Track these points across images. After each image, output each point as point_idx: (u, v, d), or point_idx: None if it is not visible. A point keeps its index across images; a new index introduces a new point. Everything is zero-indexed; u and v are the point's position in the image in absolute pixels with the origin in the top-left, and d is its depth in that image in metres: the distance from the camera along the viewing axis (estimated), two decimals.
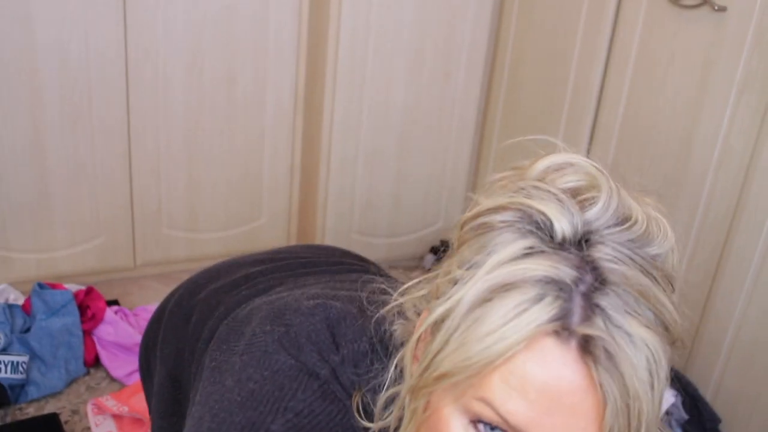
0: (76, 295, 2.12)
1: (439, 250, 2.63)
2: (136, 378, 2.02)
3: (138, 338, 2.07)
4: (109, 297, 2.32)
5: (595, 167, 0.72)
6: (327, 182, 2.42)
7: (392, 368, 0.77)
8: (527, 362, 0.63)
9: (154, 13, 2.13)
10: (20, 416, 1.87)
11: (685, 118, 1.80)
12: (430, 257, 2.67)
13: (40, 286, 2.10)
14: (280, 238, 2.64)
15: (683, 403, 1.80)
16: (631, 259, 0.66)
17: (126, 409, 1.87)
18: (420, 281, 0.79)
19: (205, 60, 2.25)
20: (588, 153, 2.10)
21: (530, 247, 0.65)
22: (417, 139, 2.51)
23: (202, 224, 2.48)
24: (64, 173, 2.20)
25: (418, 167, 2.56)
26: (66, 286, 2.20)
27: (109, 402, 1.89)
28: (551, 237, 0.66)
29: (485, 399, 0.65)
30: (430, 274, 0.77)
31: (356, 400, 0.79)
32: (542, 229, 0.66)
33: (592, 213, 0.67)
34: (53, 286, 2.14)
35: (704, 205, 1.78)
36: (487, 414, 0.65)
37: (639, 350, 0.63)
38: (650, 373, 0.64)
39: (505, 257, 0.65)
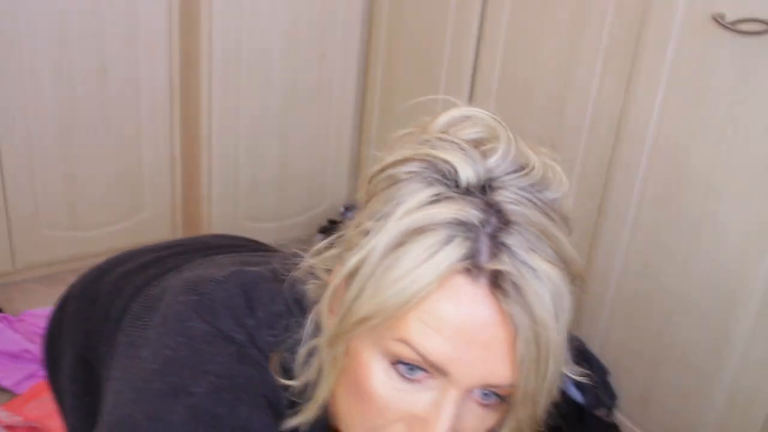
0: None
1: (328, 230, 2.65)
2: (27, 386, 1.95)
3: (26, 345, 2.00)
4: None
5: (494, 119, 0.75)
6: (210, 170, 2.39)
7: (308, 324, 0.79)
8: (441, 300, 0.66)
9: (15, 3, 2.04)
10: None
11: (557, 86, 1.87)
12: (319, 237, 2.69)
13: None
14: (166, 229, 2.60)
15: (573, 359, 1.88)
16: (531, 201, 0.70)
17: (19, 419, 1.81)
18: (330, 241, 0.81)
19: (74, 52, 2.17)
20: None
21: (437, 194, 0.69)
22: (297, 121, 2.51)
23: (84, 221, 2.40)
24: None
25: (300, 149, 2.57)
26: None
27: (2, 414, 1.82)
28: (456, 184, 0.70)
29: (403, 339, 0.68)
30: (339, 233, 0.79)
31: (274, 361, 0.80)
32: (447, 177, 0.70)
33: (492, 161, 0.71)
34: None
35: (580, 168, 1.85)
36: (407, 353, 0.68)
37: (543, 283, 0.67)
38: (554, 304, 0.68)
39: (413, 205, 0.68)
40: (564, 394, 1.82)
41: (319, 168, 2.65)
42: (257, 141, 2.45)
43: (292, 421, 0.79)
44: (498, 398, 0.72)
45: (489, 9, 2.03)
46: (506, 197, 0.69)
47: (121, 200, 2.46)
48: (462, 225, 0.67)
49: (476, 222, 0.67)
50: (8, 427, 1.83)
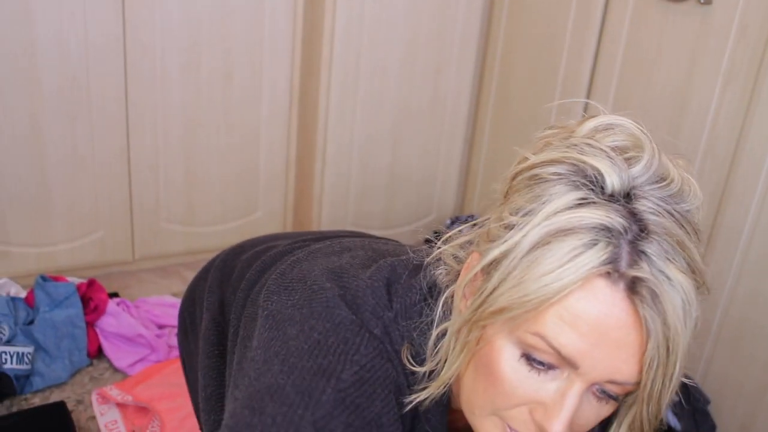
0: (78, 287, 2.14)
1: (432, 242, 2.67)
2: (139, 368, 2.05)
3: (140, 329, 2.11)
4: (109, 290, 2.35)
5: (639, 128, 0.79)
6: (322, 175, 2.46)
7: (439, 308, 0.84)
8: (580, 300, 0.71)
9: (152, 8, 2.16)
10: (25, 406, 1.91)
11: (673, 109, 1.85)
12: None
13: (43, 278, 2.13)
14: (277, 230, 2.68)
15: None
16: (669, 213, 0.74)
17: (130, 398, 1.90)
18: (461, 230, 0.86)
19: (202, 55, 2.29)
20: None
21: (583, 198, 0.73)
22: (410, 131, 2.56)
23: (200, 218, 2.51)
24: (63, 168, 2.23)
25: (411, 160, 2.61)
26: (68, 279, 2.24)
27: (113, 392, 1.92)
28: (602, 190, 0.74)
29: (539, 333, 0.73)
30: (470, 224, 0.85)
31: (405, 351, 0.85)
32: (594, 182, 0.74)
33: (636, 170, 0.75)
34: (56, 279, 2.17)
35: None
36: (541, 346, 0.73)
37: (677, 291, 0.71)
38: (685, 312, 0.72)
39: (560, 206, 0.73)
40: (661, 420, 1.79)
41: (429, 179, 2.68)
42: (370, 149, 2.51)
43: (415, 399, 0.85)
44: (613, 397, 0.77)
45: (606, 29, 2.03)
46: (647, 207, 0.73)
47: (236, 200, 2.55)
48: (605, 230, 0.71)
49: (619, 228, 0.71)
50: (120, 405, 1.93)
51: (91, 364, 2.08)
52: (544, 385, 0.75)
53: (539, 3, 2.25)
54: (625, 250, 0.71)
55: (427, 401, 0.85)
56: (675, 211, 0.75)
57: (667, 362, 0.72)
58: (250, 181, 2.54)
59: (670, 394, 0.76)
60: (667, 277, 0.71)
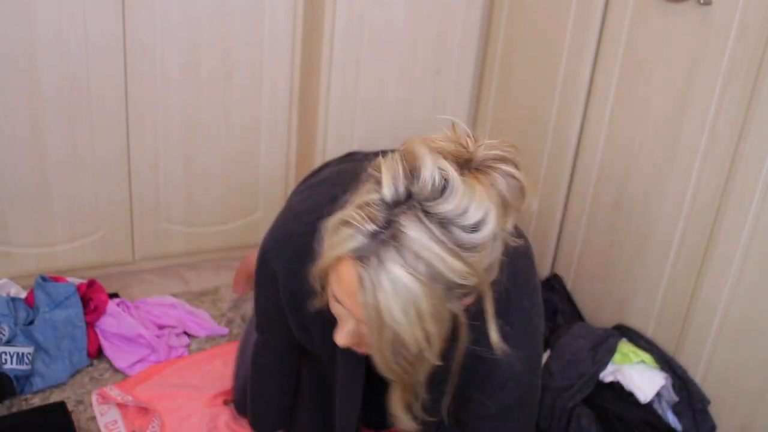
0: (78, 287, 2.15)
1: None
2: (139, 368, 2.06)
3: (140, 330, 2.11)
4: (109, 290, 2.35)
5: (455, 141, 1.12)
6: None
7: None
8: (336, 271, 1.02)
9: (152, 8, 2.16)
10: (25, 407, 1.91)
11: (673, 109, 1.86)
12: None
13: (43, 278, 2.14)
14: None
15: (673, 386, 1.85)
16: (428, 227, 0.96)
17: (130, 398, 1.90)
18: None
19: (202, 55, 2.29)
20: (578, 144, 2.15)
21: (366, 201, 1.00)
22: (410, 133, 2.55)
23: (200, 218, 2.51)
24: (63, 168, 2.23)
25: None
26: (68, 280, 2.24)
27: (114, 392, 1.93)
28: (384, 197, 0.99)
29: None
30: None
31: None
32: (378, 188, 1.00)
33: (416, 186, 0.98)
34: (56, 279, 2.17)
35: (692, 194, 1.83)
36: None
37: (398, 292, 0.95)
38: (404, 309, 0.96)
39: (355, 202, 1.02)
40: (661, 420, 1.80)
41: None
42: (370, 149, 2.50)
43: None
44: None
45: (606, 30, 2.03)
46: (407, 219, 0.97)
47: (236, 200, 2.56)
48: (363, 229, 0.98)
49: (372, 230, 0.97)
50: (120, 405, 1.93)
51: (91, 365, 2.08)
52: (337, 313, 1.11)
53: (539, 3, 2.26)
54: (369, 247, 0.97)
55: None
56: (436, 227, 0.96)
57: (377, 331, 0.99)
58: (250, 181, 2.54)
59: (384, 357, 1.02)
60: (390, 279, 0.95)
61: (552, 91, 2.23)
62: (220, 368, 2.08)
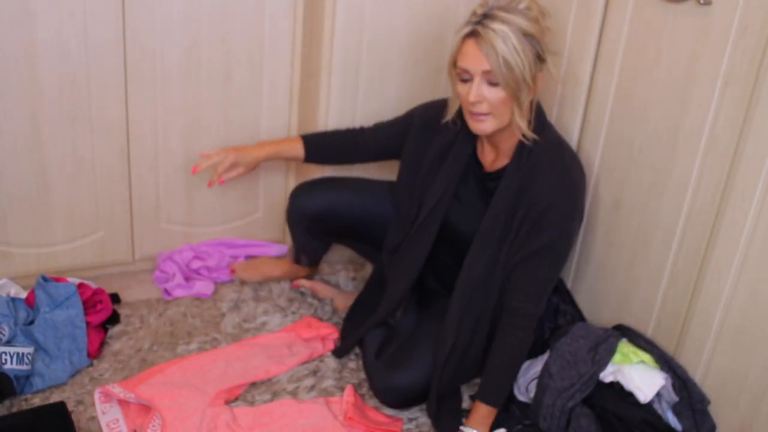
0: (84, 290, 2.16)
1: None
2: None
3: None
4: (109, 291, 2.36)
5: None
6: (322, 175, 2.45)
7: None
8: (461, 52, 1.82)
9: (152, 8, 2.16)
10: (25, 407, 1.91)
11: (673, 109, 1.86)
12: None
13: (44, 278, 2.14)
14: (277, 231, 2.69)
15: (673, 386, 1.85)
16: (505, 8, 1.79)
17: (132, 395, 1.91)
18: None
19: (202, 55, 2.29)
20: (578, 144, 2.15)
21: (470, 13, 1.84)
22: None
23: (200, 218, 2.51)
24: (63, 168, 2.23)
25: None
26: (69, 280, 2.25)
27: (116, 389, 1.93)
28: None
29: (459, 65, 1.84)
30: None
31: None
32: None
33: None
34: (57, 280, 2.17)
35: (692, 193, 1.83)
36: (460, 70, 1.84)
37: (504, 38, 1.75)
38: (509, 46, 1.75)
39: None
40: (661, 420, 1.80)
41: None
42: None
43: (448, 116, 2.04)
44: (495, 83, 1.80)
45: (607, 27, 2.03)
46: (495, 10, 1.79)
47: (236, 201, 2.56)
48: (475, 17, 1.81)
49: (478, 20, 1.79)
50: (122, 403, 1.93)
51: (91, 365, 2.08)
52: (466, 87, 1.84)
53: (539, 3, 2.25)
54: (476, 25, 1.78)
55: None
56: (510, 9, 1.79)
57: (506, 65, 1.77)
58: (249, 182, 2.54)
59: (504, 79, 1.78)
60: (494, 31, 1.75)
61: (552, 90, 2.23)
62: (222, 367, 2.08)
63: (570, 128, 2.18)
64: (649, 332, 2.00)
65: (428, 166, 2.08)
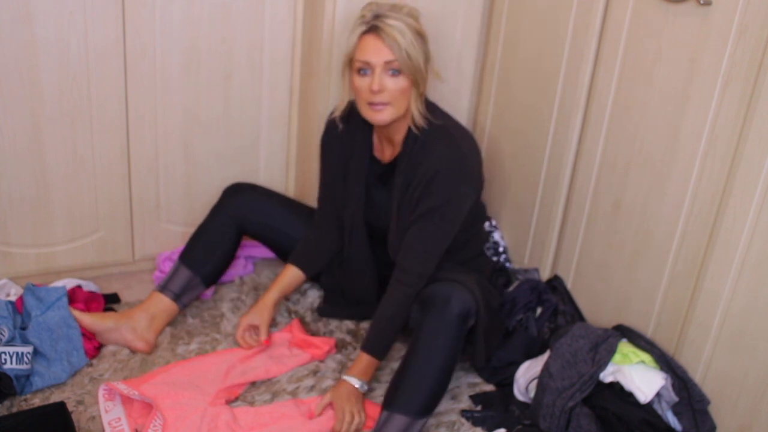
0: (78, 294, 2.16)
1: None
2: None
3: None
4: (109, 291, 2.36)
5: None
6: None
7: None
8: (359, 46, 1.95)
9: (152, 10, 2.16)
10: (25, 407, 1.91)
11: (673, 109, 1.86)
12: None
13: (32, 285, 2.13)
14: None
15: (673, 386, 1.85)
16: (395, 12, 1.96)
17: (136, 393, 1.91)
18: None
19: (202, 55, 2.29)
20: (578, 144, 2.15)
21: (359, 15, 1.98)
22: None
23: (200, 218, 2.50)
24: (63, 169, 2.23)
25: None
26: (62, 282, 2.29)
27: (121, 386, 1.93)
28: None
29: (358, 58, 1.95)
30: None
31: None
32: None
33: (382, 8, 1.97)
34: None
35: (691, 194, 1.83)
36: (361, 64, 1.95)
37: (401, 32, 1.91)
38: (401, 34, 1.91)
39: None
40: (661, 420, 1.79)
41: None
42: None
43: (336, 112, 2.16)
44: (396, 71, 1.94)
45: (607, 27, 2.03)
46: (384, 13, 1.95)
47: None
48: (368, 16, 1.95)
49: (372, 15, 1.94)
50: (125, 401, 1.93)
51: (90, 365, 2.08)
52: (366, 80, 1.95)
53: (539, 3, 2.26)
54: (372, 22, 1.93)
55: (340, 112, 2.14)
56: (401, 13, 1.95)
57: (408, 54, 1.92)
58: (249, 181, 2.53)
59: (417, 68, 1.95)
60: (391, 26, 1.90)
61: (552, 91, 2.23)
62: (223, 368, 2.08)
63: (570, 128, 2.18)
64: (649, 332, 2.00)
65: (338, 175, 2.21)
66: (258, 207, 2.32)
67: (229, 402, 2.00)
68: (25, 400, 1.94)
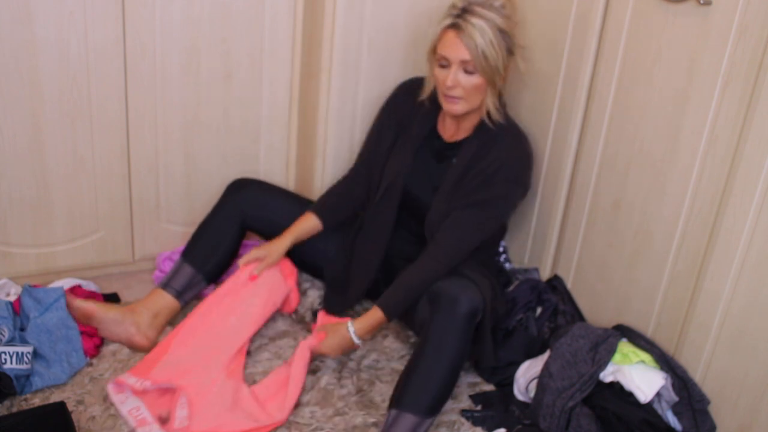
0: (77, 294, 2.16)
1: None
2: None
3: None
4: (108, 290, 2.36)
5: None
6: (323, 175, 2.46)
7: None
8: (441, 40, 2.02)
9: (152, 10, 2.16)
10: (25, 407, 1.91)
11: (673, 109, 1.86)
12: None
13: (30, 286, 2.13)
14: None
15: (673, 386, 1.85)
16: (484, 8, 1.98)
17: (149, 383, 1.90)
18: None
19: (202, 55, 2.29)
20: (578, 144, 2.15)
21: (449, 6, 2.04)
22: None
23: (200, 218, 2.49)
24: (63, 169, 2.23)
25: None
26: (62, 281, 2.29)
27: (131, 380, 1.93)
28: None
29: (439, 53, 2.03)
30: None
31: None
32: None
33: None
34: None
35: (691, 194, 1.83)
36: (440, 58, 2.02)
37: (482, 32, 1.95)
38: (486, 40, 1.95)
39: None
40: (661, 420, 1.79)
41: None
42: None
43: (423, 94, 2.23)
44: (470, 71, 2.00)
45: (607, 27, 2.03)
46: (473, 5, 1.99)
47: None
48: (454, 9, 2.02)
49: (459, 9, 2.00)
50: (140, 392, 1.93)
51: (90, 364, 2.08)
52: (444, 72, 2.02)
53: (539, 4, 2.26)
54: (457, 18, 1.98)
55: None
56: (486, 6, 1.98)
57: (484, 56, 1.97)
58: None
59: (481, 66, 1.99)
60: (473, 25, 1.94)
61: (553, 91, 2.23)
62: (218, 328, 2.11)
63: (570, 128, 2.18)
64: (649, 332, 2.00)
65: (392, 137, 2.26)
66: (261, 203, 2.31)
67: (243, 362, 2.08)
68: (25, 400, 1.94)
